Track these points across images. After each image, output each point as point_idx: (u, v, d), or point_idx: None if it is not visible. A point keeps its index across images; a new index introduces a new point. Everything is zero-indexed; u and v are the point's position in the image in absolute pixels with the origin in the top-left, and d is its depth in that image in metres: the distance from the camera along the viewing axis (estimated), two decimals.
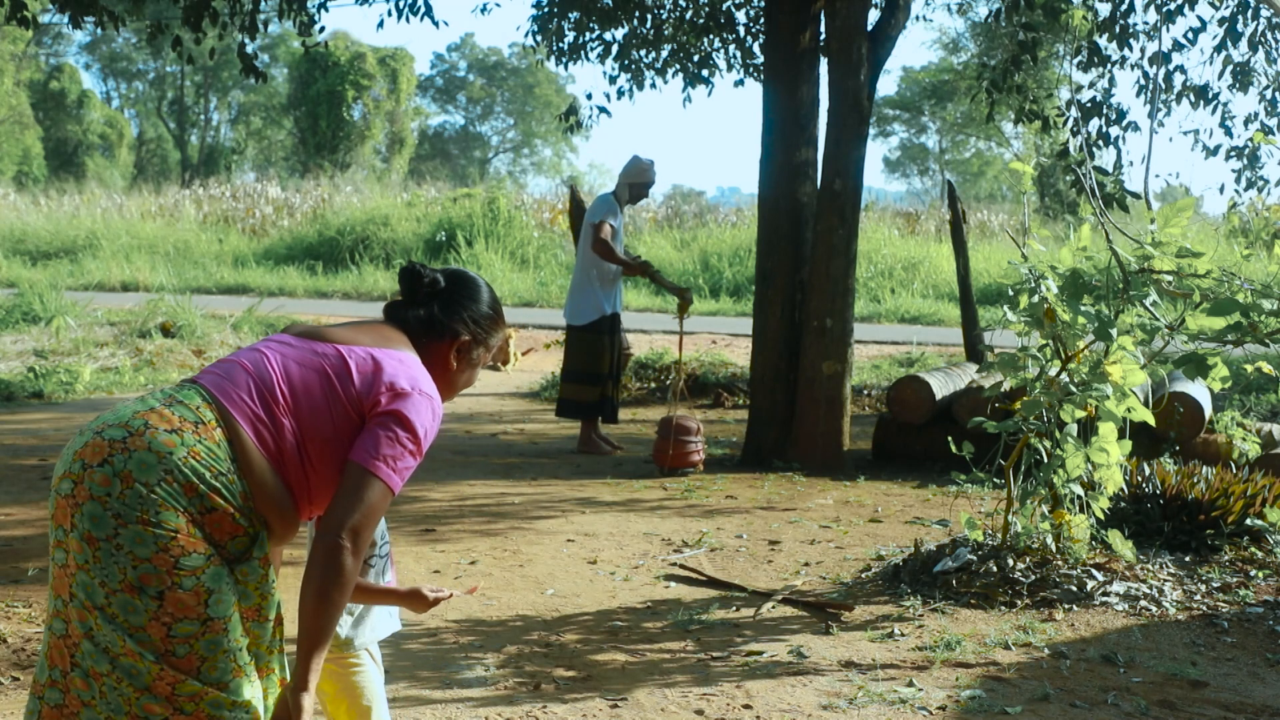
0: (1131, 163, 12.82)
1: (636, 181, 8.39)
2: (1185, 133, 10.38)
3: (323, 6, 9.78)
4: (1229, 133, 10.20)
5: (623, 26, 10.66)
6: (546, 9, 10.58)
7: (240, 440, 2.35)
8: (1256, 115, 10.13)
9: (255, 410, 2.38)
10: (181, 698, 2.27)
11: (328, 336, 2.51)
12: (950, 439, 5.75)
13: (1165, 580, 5.05)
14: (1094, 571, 4.98)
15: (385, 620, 2.92)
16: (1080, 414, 4.97)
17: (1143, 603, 4.82)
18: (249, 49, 9.53)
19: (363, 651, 2.85)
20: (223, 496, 2.31)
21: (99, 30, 9.74)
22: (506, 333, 12.60)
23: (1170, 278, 4.89)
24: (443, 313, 2.63)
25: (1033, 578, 4.93)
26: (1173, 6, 9.46)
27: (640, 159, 8.41)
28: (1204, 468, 5.96)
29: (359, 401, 2.43)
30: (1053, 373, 5.02)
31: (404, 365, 2.49)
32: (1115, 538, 5.01)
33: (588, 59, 10.83)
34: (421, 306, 2.64)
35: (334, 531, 2.35)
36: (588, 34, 10.72)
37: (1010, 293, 5.03)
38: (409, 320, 2.63)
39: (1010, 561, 5.00)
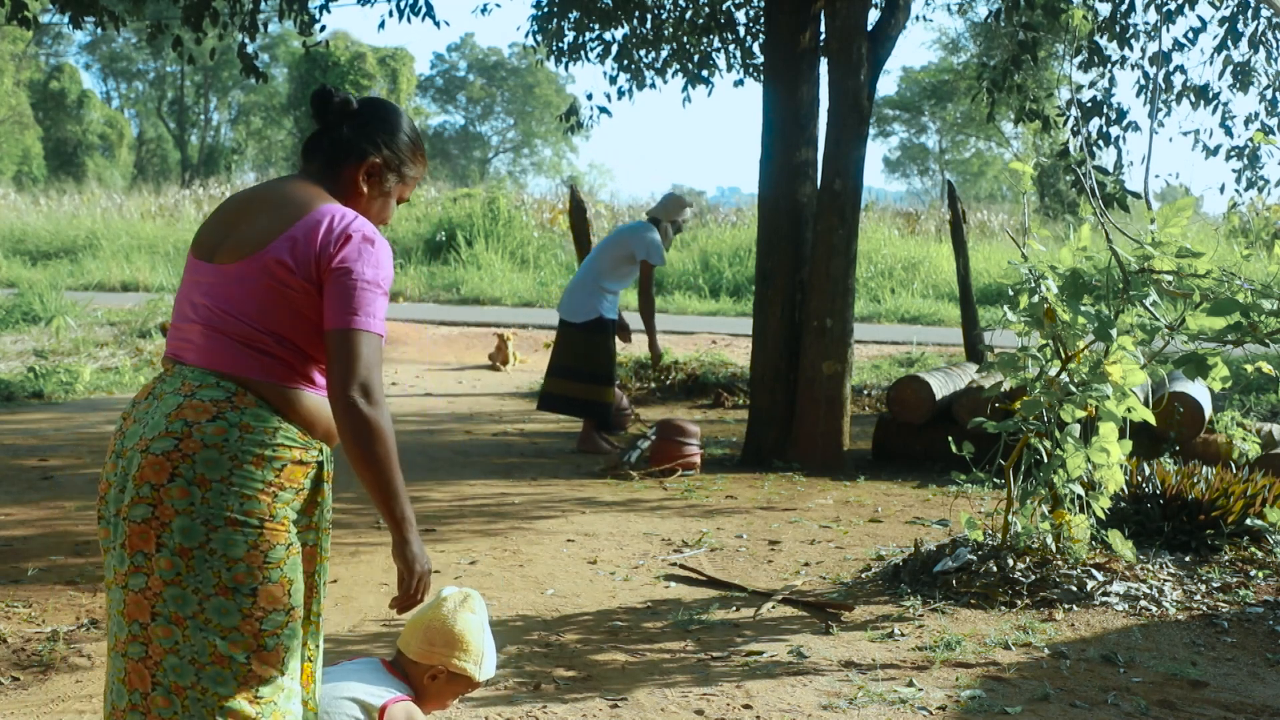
0: (1131, 163, 12.83)
1: (678, 218, 8.50)
2: (1185, 133, 10.39)
3: (324, 7, 9.78)
4: (1229, 133, 10.20)
5: (623, 26, 10.67)
6: (546, 9, 10.58)
7: (263, 390, 2.38)
8: (1256, 115, 10.13)
9: (252, 358, 2.38)
10: (264, 701, 2.35)
11: (241, 248, 2.42)
12: (950, 439, 5.75)
13: (1165, 580, 5.05)
14: (1094, 571, 4.98)
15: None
16: (1080, 414, 4.97)
17: (1143, 603, 4.82)
18: (249, 49, 9.53)
19: None
20: (287, 450, 2.37)
21: (99, 30, 9.74)
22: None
23: (1170, 278, 4.89)
24: (353, 134, 2.57)
25: (1033, 578, 4.93)
26: (1173, 6, 9.46)
27: (682, 196, 8.59)
28: (1204, 468, 5.95)
29: (309, 274, 2.39)
30: (1053, 373, 5.01)
31: (322, 218, 2.42)
32: (1115, 538, 5.01)
33: (588, 59, 10.84)
34: (332, 129, 2.59)
35: (342, 396, 2.35)
36: (588, 34, 10.73)
37: (1010, 293, 5.03)
38: (321, 149, 2.58)
39: (1010, 561, 5.00)
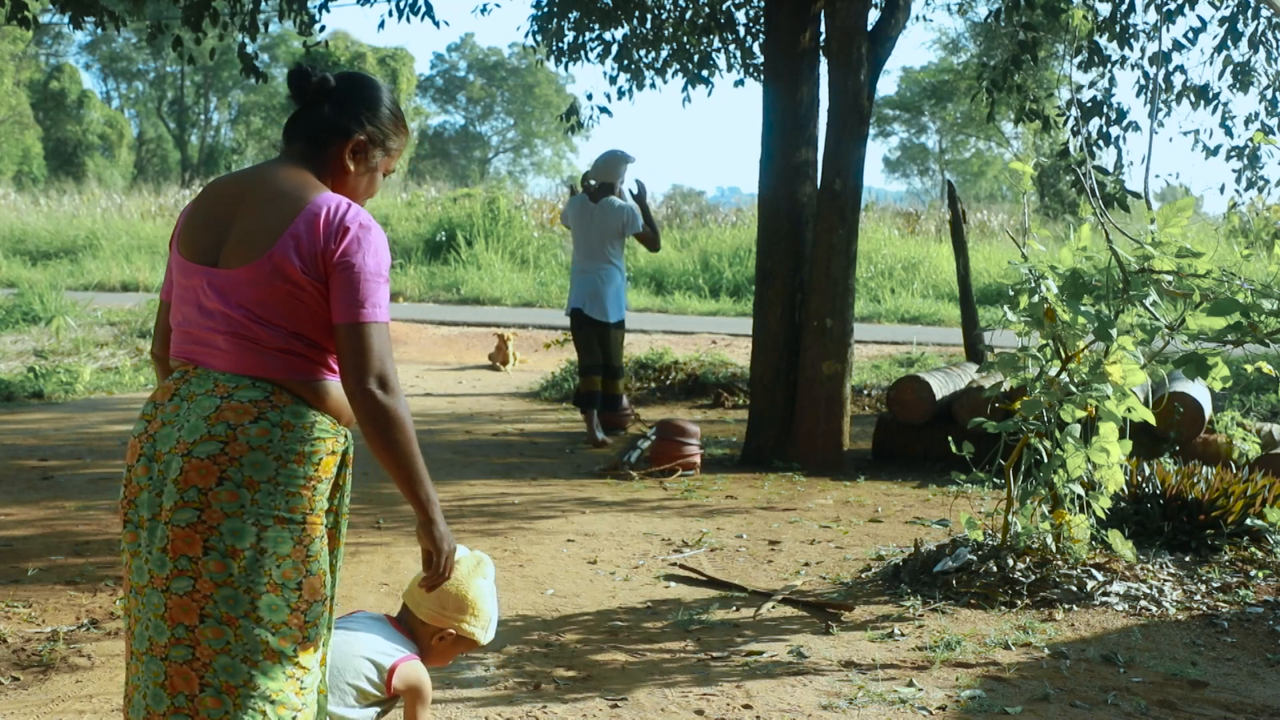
0: (1131, 163, 12.82)
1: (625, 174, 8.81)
2: (1185, 133, 10.37)
3: (324, 7, 9.78)
4: (1229, 133, 10.19)
5: (623, 26, 10.66)
6: (546, 9, 10.57)
7: (296, 387, 2.42)
8: (1256, 115, 10.12)
9: (281, 360, 2.41)
10: (306, 690, 2.42)
11: (246, 251, 2.40)
12: (950, 439, 5.75)
13: (1165, 580, 5.05)
14: (1094, 571, 4.98)
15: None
16: (1080, 414, 4.97)
17: (1143, 603, 4.83)
18: (249, 49, 9.53)
19: None
20: (323, 443, 2.42)
21: (99, 30, 9.74)
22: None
23: (1170, 278, 4.89)
24: (334, 113, 2.56)
25: (1033, 578, 4.93)
26: (1173, 6, 9.45)
27: (616, 150, 8.78)
28: (1204, 468, 5.95)
29: (317, 271, 2.39)
30: (1053, 373, 5.02)
31: (319, 210, 2.41)
32: (1115, 538, 5.01)
33: (588, 59, 10.83)
34: (312, 108, 2.57)
35: (359, 389, 2.38)
36: (588, 34, 10.72)
37: (1010, 293, 5.03)
38: (302, 130, 2.56)
39: (1010, 561, 5.00)
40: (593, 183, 8.67)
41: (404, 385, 11.33)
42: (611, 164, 8.64)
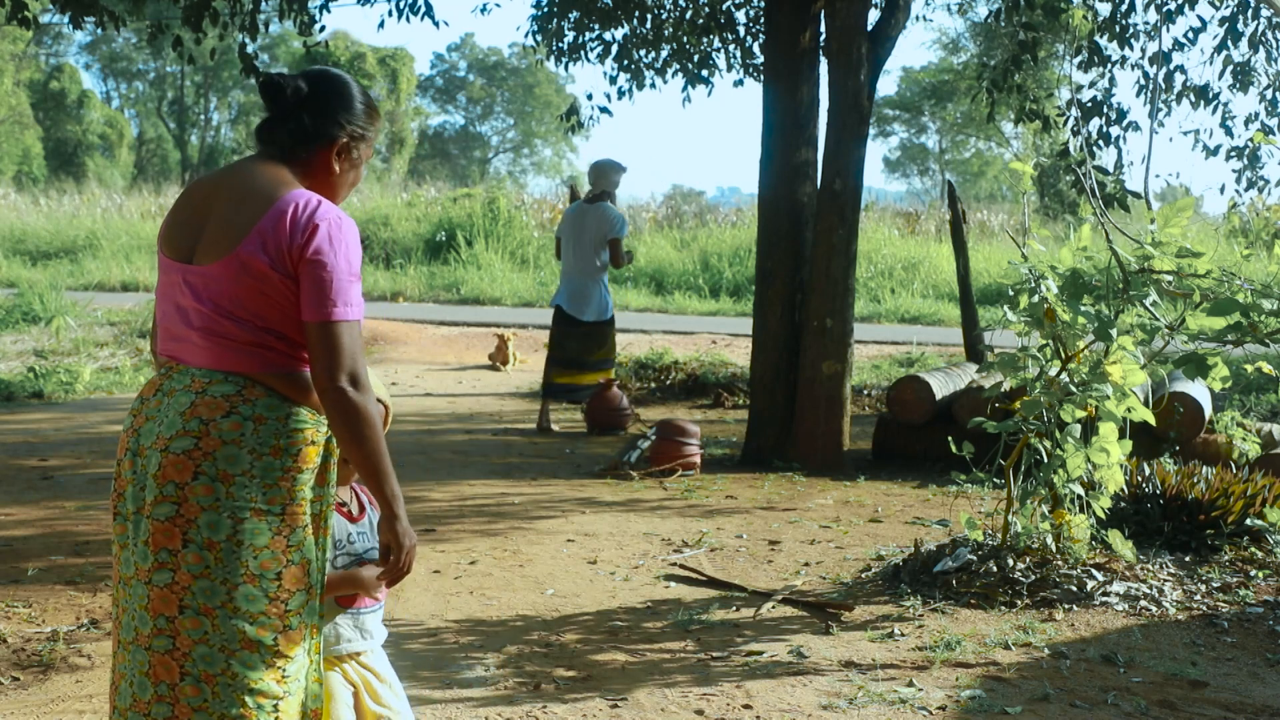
0: (1132, 163, 12.79)
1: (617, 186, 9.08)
2: (1185, 133, 10.36)
3: (324, 7, 9.78)
4: (1229, 133, 10.18)
5: (623, 26, 10.66)
6: (546, 9, 10.57)
7: (270, 380, 2.43)
8: (1256, 115, 10.11)
9: (253, 354, 2.43)
10: (290, 679, 2.43)
11: (217, 248, 2.42)
12: (950, 439, 5.75)
13: (1165, 580, 5.05)
14: (1094, 571, 4.98)
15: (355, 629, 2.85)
16: (1080, 414, 4.97)
17: (1143, 603, 4.83)
18: (249, 49, 9.52)
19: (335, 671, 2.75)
20: (301, 434, 2.43)
21: (99, 30, 9.74)
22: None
23: (1170, 278, 4.90)
24: (314, 120, 2.55)
25: (1033, 578, 4.93)
26: (1173, 6, 9.45)
27: (609, 159, 9.06)
28: (1204, 468, 5.95)
29: (285, 268, 2.40)
30: (1053, 373, 5.02)
31: (286, 207, 2.42)
32: (1115, 538, 5.01)
33: (588, 59, 10.83)
34: (290, 118, 2.55)
35: (330, 387, 2.39)
36: (588, 34, 10.72)
37: (1010, 293, 5.03)
38: (281, 137, 2.55)
39: (1010, 561, 5.00)
40: (568, 195, 9.03)
41: (404, 385, 11.37)
42: (607, 171, 8.95)
